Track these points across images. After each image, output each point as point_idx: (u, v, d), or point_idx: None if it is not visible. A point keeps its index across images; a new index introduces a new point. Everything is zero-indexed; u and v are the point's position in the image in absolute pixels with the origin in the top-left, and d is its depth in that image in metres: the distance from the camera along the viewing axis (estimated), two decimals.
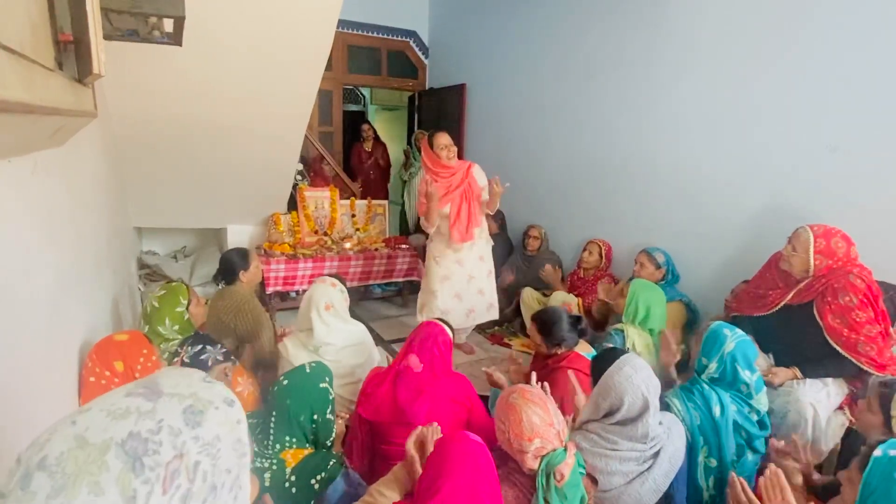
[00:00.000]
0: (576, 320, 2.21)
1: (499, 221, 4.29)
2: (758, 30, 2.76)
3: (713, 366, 1.93)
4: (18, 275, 1.11)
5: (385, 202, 4.72)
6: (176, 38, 1.78)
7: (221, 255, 2.69)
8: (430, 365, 1.89)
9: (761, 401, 1.92)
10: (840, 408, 2.19)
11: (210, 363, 1.92)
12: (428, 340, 1.93)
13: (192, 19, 1.68)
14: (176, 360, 1.95)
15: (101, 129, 2.39)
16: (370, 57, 5.76)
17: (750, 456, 1.91)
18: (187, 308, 2.13)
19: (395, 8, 5.64)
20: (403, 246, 4.35)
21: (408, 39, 5.82)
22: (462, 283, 3.22)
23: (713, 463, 1.88)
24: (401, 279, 4.33)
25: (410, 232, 5.42)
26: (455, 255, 3.21)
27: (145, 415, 0.54)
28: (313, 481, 1.51)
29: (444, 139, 3.14)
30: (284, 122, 3.23)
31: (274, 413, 1.61)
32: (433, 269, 3.24)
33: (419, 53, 5.91)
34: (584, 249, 3.67)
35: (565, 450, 1.31)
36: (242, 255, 2.63)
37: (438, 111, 5.66)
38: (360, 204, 4.45)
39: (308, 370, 1.69)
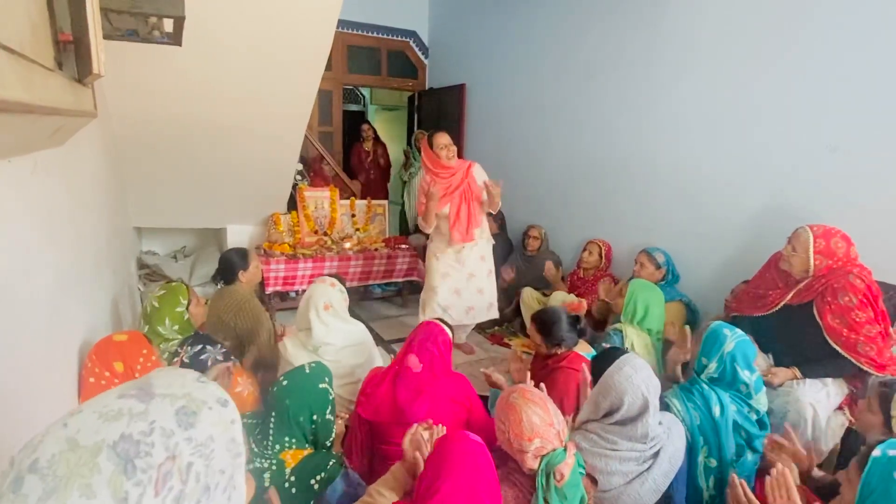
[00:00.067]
0: (575, 320, 2.21)
1: (499, 221, 4.29)
2: (758, 30, 2.76)
3: (713, 366, 1.93)
4: (18, 275, 1.11)
5: (385, 202, 4.72)
6: (176, 38, 1.78)
7: (220, 255, 2.69)
8: (430, 365, 1.89)
9: (761, 401, 1.92)
10: (840, 408, 2.19)
11: (210, 363, 1.92)
12: (427, 340, 1.93)
13: (192, 19, 1.68)
14: (176, 360, 1.95)
15: (100, 129, 2.39)
16: (370, 57, 5.76)
17: (750, 456, 1.90)
18: (187, 308, 2.13)
19: (395, 8, 5.64)
20: (403, 246, 4.35)
21: (407, 39, 5.82)
22: (461, 281, 3.23)
23: (713, 463, 1.88)
24: (400, 279, 4.33)
25: (410, 232, 5.42)
26: (455, 253, 3.22)
27: (137, 416, 0.54)
28: (313, 482, 1.51)
29: (443, 139, 3.13)
30: (284, 122, 3.23)
31: (273, 413, 1.61)
32: (433, 266, 3.25)
33: (419, 53, 5.91)
34: (584, 249, 3.67)
35: (565, 450, 1.31)
36: (241, 255, 2.63)
37: (438, 111, 5.66)
38: (360, 204, 4.45)
39: (307, 370, 1.69)
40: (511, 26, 4.56)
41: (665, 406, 1.91)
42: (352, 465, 1.73)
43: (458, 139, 4.80)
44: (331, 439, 1.67)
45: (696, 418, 1.90)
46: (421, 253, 4.02)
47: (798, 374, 2.18)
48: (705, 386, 1.94)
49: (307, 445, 1.62)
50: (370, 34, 5.61)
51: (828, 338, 2.12)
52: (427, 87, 5.98)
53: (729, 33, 2.90)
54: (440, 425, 1.47)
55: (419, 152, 3.98)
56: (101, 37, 1.14)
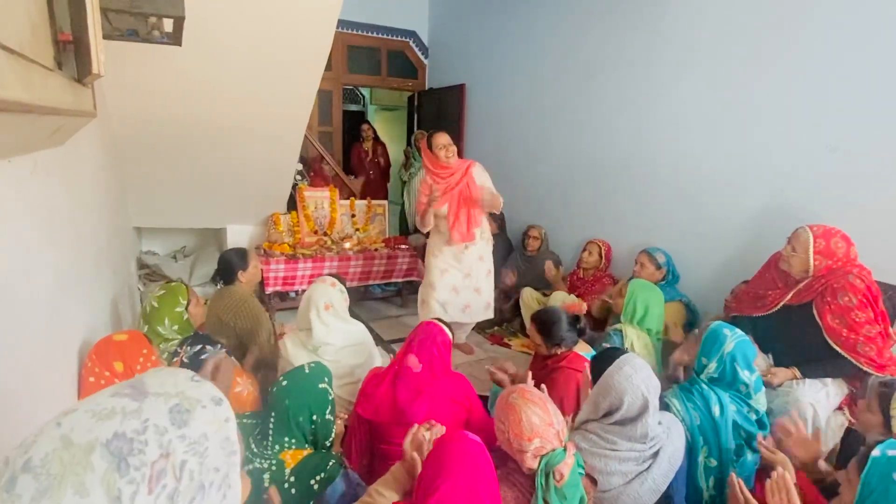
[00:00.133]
0: (575, 320, 2.21)
1: (499, 221, 4.29)
2: (758, 30, 2.76)
3: (712, 366, 1.93)
4: (18, 275, 1.11)
5: (385, 202, 4.72)
6: (176, 38, 1.78)
7: (220, 255, 2.69)
8: (430, 365, 1.89)
9: (760, 401, 1.92)
10: (839, 408, 2.19)
11: None
12: (427, 340, 1.93)
13: (192, 19, 1.68)
14: (175, 360, 1.95)
15: (100, 129, 2.39)
16: (370, 57, 5.77)
17: (749, 456, 1.90)
18: (187, 308, 2.13)
19: (395, 8, 5.64)
20: (403, 246, 4.35)
21: (407, 39, 5.82)
22: (459, 279, 3.24)
23: (713, 463, 1.88)
24: (400, 279, 4.33)
25: (410, 232, 5.43)
26: (454, 252, 3.22)
27: (130, 414, 0.54)
28: (313, 482, 1.51)
29: (442, 139, 3.13)
30: (284, 122, 3.23)
31: (273, 414, 1.60)
32: (432, 264, 3.26)
33: (419, 53, 5.91)
34: (584, 249, 3.67)
35: (564, 450, 1.31)
36: (241, 255, 2.63)
37: (438, 111, 5.66)
38: (360, 204, 4.45)
39: (307, 371, 1.69)
40: (511, 26, 4.56)
41: (665, 406, 1.91)
42: (351, 465, 1.73)
43: (457, 139, 4.80)
44: (330, 439, 1.67)
45: (696, 418, 1.90)
46: (421, 253, 4.02)
47: (798, 374, 2.18)
48: (705, 386, 1.94)
49: (307, 446, 1.61)
50: (370, 34, 5.61)
51: (827, 338, 2.12)
52: (427, 88, 5.98)
53: (729, 33, 2.90)
54: (440, 425, 1.47)
55: (419, 152, 3.98)
56: (100, 37, 1.14)
